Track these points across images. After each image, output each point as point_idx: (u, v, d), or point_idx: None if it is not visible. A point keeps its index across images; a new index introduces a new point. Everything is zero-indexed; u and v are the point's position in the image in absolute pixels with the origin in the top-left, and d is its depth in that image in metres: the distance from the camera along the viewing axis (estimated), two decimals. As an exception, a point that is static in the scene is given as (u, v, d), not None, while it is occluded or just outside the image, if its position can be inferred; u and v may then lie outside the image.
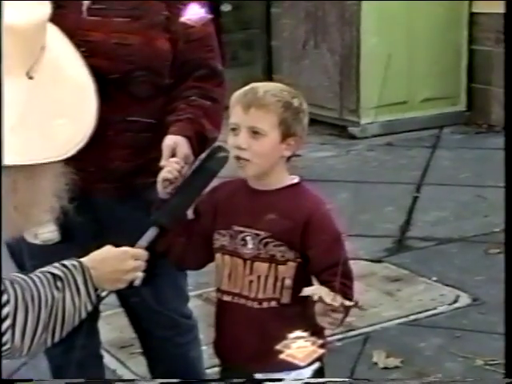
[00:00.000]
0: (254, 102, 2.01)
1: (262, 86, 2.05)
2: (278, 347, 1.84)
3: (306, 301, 1.96)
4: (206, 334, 2.56)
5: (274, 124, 2.02)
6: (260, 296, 2.07)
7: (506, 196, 1.85)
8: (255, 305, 2.08)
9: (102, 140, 2.24)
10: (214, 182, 2.16)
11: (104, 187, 2.32)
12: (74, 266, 1.74)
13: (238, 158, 2.03)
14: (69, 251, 2.30)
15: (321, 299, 1.85)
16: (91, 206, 2.34)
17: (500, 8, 6.89)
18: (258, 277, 2.07)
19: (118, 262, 1.81)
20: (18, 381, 2.08)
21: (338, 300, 1.84)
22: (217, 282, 2.15)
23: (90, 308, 1.74)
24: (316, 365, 2.07)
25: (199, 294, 3.78)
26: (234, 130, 2.04)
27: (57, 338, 1.70)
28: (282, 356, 1.83)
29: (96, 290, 1.76)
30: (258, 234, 2.06)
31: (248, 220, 2.07)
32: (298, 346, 1.81)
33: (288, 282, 2.06)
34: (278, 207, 2.06)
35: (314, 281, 2.05)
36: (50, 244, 2.34)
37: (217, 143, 2.34)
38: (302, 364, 1.90)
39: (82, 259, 1.77)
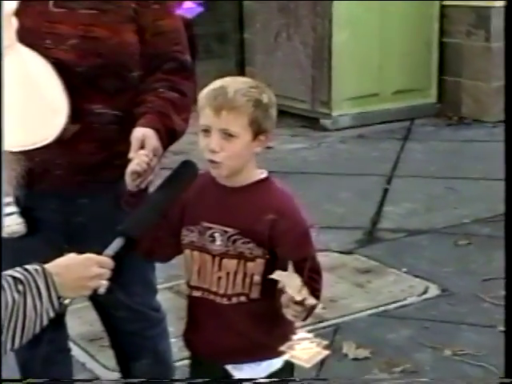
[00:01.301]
0: (224, 105, 1.98)
1: (231, 85, 2.01)
2: (280, 348, 1.83)
3: (275, 295, 1.96)
4: (176, 327, 2.56)
5: (246, 124, 2.00)
6: (229, 292, 2.07)
7: (506, 192, 1.84)
8: (224, 301, 2.07)
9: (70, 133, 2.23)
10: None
11: (71, 180, 2.30)
12: (36, 270, 1.71)
13: (212, 161, 2.01)
14: (35, 244, 2.30)
15: (283, 289, 1.85)
16: (58, 198, 2.32)
17: (470, 1, 6.94)
18: (227, 273, 2.06)
19: (82, 268, 1.77)
20: (19, 381, 2.05)
21: (302, 293, 1.83)
22: (187, 278, 2.14)
23: (52, 315, 1.70)
24: (285, 356, 2.07)
25: (170, 286, 3.77)
26: (205, 131, 2.02)
27: (17, 344, 1.66)
28: (286, 357, 1.83)
29: (59, 297, 1.72)
30: (226, 231, 2.05)
31: (216, 216, 2.06)
32: (303, 348, 1.81)
33: (257, 278, 2.05)
34: (247, 204, 2.05)
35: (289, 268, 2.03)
36: (15, 237, 2.32)
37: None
38: (307, 366, 1.88)
39: (45, 265, 1.74)
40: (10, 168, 1.49)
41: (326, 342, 1.85)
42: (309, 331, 3.40)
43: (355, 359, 3.35)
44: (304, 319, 1.93)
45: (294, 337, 1.81)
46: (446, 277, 4.10)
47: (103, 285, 1.80)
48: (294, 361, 1.83)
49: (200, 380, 2.10)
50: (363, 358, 3.35)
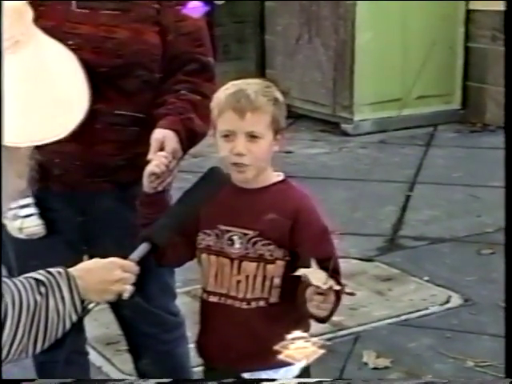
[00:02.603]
0: (248, 107, 1.99)
1: (249, 87, 2.03)
2: (275, 347, 1.84)
3: (295, 298, 1.96)
4: (193, 332, 2.56)
5: (268, 124, 2.03)
6: (248, 296, 2.07)
7: (506, 196, 1.85)
8: (243, 305, 2.08)
9: (89, 133, 2.25)
10: (187, 179, 2.15)
11: (90, 181, 2.31)
12: (59, 273, 1.71)
13: (237, 164, 2.02)
14: (55, 246, 2.32)
15: (306, 277, 1.85)
16: (77, 200, 2.34)
17: (497, 5, 6.92)
18: (246, 276, 2.06)
19: (105, 271, 1.77)
20: (19, 380, 2.06)
21: (328, 283, 1.84)
22: (203, 283, 2.14)
23: (74, 319, 1.70)
24: (303, 363, 2.08)
25: (187, 290, 3.78)
26: (227, 136, 2.03)
27: (39, 347, 1.66)
28: (280, 356, 1.83)
29: (83, 301, 1.71)
30: (245, 234, 2.05)
31: (234, 219, 2.07)
32: (298, 347, 1.81)
33: (277, 281, 2.06)
34: (265, 205, 2.06)
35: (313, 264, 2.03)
36: (35, 238, 2.33)
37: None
38: (302, 364, 1.90)
39: (68, 269, 1.74)
40: (23, 163, 1.48)
41: (321, 342, 1.86)
42: (328, 339, 3.44)
43: (375, 368, 3.35)
44: (327, 318, 1.93)
45: (289, 336, 1.81)
46: (469, 286, 4.10)
47: (127, 290, 1.79)
48: (289, 360, 1.83)
49: (226, 380, 2.10)
50: (383, 367, 3.35)
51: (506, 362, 1.84)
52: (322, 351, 1.81)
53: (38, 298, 1.65)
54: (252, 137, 2.01)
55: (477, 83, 7.28)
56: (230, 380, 2.11)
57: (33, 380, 2.51)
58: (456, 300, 3.98)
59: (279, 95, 2.07)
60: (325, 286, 1.84)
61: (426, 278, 4.21)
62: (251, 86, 2.04)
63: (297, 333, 1.82)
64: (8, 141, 1.35)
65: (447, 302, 3.96)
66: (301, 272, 1.88)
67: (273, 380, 2.09)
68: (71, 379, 2.37)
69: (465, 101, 7.41)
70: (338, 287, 1.87)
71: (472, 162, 6.20)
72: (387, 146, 6.72)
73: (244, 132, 2.00)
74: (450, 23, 7.25)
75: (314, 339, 1.83)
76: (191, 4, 2.27)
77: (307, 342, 1.80)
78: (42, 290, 1.66)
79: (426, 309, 3.89)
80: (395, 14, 6.99)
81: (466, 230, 4.87)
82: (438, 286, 4.12)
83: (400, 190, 5.59)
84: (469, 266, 4.35)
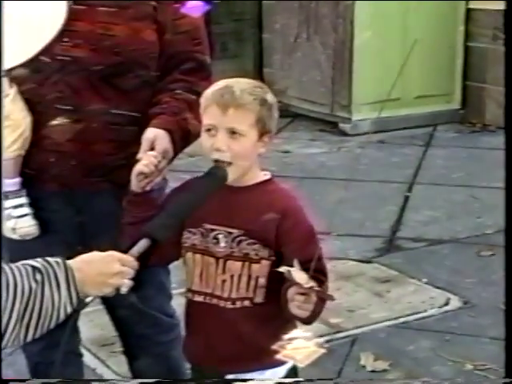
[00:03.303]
0: (232, 103, 1.99)
1: (237, 84, 2.03)
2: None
3: (279, 299, 1.96)
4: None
5: (252, 123, 2.02)
6: (233, 295, 2.07)
7: (506, 196, 1.85)
8: (228, 305, 2.08)
9: (86, 133, 2.25)
10: (183, 178, 2.15)
11: (87, 181, 2.31)
12: (56, 262, 1.72)
13: (217, 161, 2.02)
14: (50, 246, 2.31)
15: (289, 274, 1.85)
16: (74, 199, 2.34)
17: (497, 4, 6.92)
18: (231, 276, 2.06)
19: (103, 264, 1.77)
20: (19, 381, 2.06)
21: (309, 283, 1.84)
22: (187, 283, 2.14)
23: (69, 310, 1.70)
24: (290, 364, 2.07)
25: (183, 291, 3.77)
26: (209, 130, 2.03)
27: (30, 335, 1.66)
28: (279, 356, 1.83)
29: (78, 293, 1.72)
30: (230, 232, 2.05)
31: (220, 218, 2.07)
32: (297, 347, 1.80)
33: (262, 280, 2.06)
34: (251, 204, 2.06)
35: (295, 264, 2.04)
36: (28, 239, 2.33)
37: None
38: (302, 365, 1.89)
39: (66, 260, 1.75)
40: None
41: (321, 341, 1.86)
42: (326, 341, 3.44)
43: (373, 371, 3.35)
44: (310, 319, 1.93)
45: (287, 335, 1.81)
46: (468, 288, 4.10)
47: (125, 284, 1.79)
48: (288, 360, 1.83)
49: (213, 379, 2.10)
50: (381, 370, 3.35)
51: (506, 361, 1.84)
52: (322, 350, 1.81)
53: (34, 284, 1.65)
54: (233, 133, 2.01)
55: (477, 83, 7.29)
56: (215, 380, 2.10)
57: (31, 380, 2.51)
58: (455, 302, 3.98)
59: (270, 98, 2.06)
60: (306, 285, 1.84)
61: (425, 280, 4.21)
62: (240, 84, 2.04)
63: (296, 332, 1.82)
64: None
65: (446, 304, 3.97)
66: (283, 269, 1.89)
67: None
68: (56, 379, 2.36)
69: (465, 101, 7.42)
70: (318, 288, 1.87)
71: (472, 163, 6.21)
72: (386, 146, 6.73)
73: (225, 127, 2.00)
74: (450, 22, 7.25)
75: (315, 338, 1.83)
76: (190, 3, 2.27)
77: (307, 341, 1.80)
78: (38, 277, 1.67)
79: (425, 311, 3.89)
80: (394, 12, 6.99)
81: (465, 231, 4.87)
82: (437, 288, 4.12)
83: (399, 190, 5.60)
84: (468, 267, 4.35)
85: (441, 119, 7.28)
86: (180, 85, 2.29)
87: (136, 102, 2.28)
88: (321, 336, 3.25)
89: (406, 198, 5.46)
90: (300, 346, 1.79)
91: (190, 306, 2.16)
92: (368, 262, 4.47)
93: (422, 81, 7.15)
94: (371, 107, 7.02)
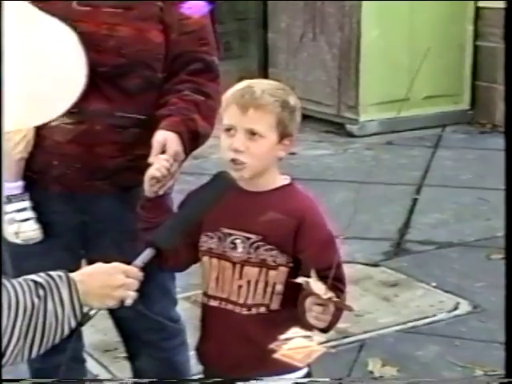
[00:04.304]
0: (251, 103, 2.00)
1: (258, 85, 2.04)
2: (270, 349, 1.84)
3: (296, 306, 1.97)
4: (193, 339, 2.57)
5: (272, 125, 2.02)
6: (249, 302, 2.07)
7: (507, 199, 1.86)
8: (243, 311, 2.08)
9: (89, 135, 2.25)
10: (201, 180, 2.15)
11: (90, 184, 2.31)
12: (59, 276, 1.71)
13: (234, 161, 2.02)
14: (52, 250, 2.32)
15: (307, 285, 1.85)
16: (77, 202, 2.35)
17: (507, 3, 6.92)
18: (248, 282, 2.07)
19: (107, 276, 1.77)
20: (19, 380, 2.06)
21: (328, 294, 1.84)
22: (203, 286, 2.14)
23: (73, 324, 1.69)
24: (304, 370, 2.08)
25: (188, 296, 3.78)
26: (228, 130, 2.03)
27: (35, 352, 1.66)
28: (278, 356, 1.83)
29: (82, 307, 1.71)
30: (248, 238, 2.05)
31: (238, 222, 2.07)
32: (297, 346, 1.80)
33: (279, 287, 2.06)
34: (270, 209, 2.06)
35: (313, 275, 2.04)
36: (32, 243, 2.34)
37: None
38: (300, 365, 1.89)
39: (69, 273, 1.74)
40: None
41: (322, 339, 1.86)
42: (333, 346, 3.44)
43: (381, 377, 3.35)
44: (327, 329, 1.94)
45: (286, 334, 1.81)
46: (478, 292, 4.09)
47: (130, 296, 1.79)
48: (287, 360, 1.83)
49: (211, 380, 2.10)
50: (389, 375, 3.35)
51: (506, 361, 1.85)
52: (323, 349, 1.80)
53: (36, 300, 1.65)
54: (252, 134, 2.01)
55: (486, 83, 7.28)
56: (214, 380, 2.10)
57: (30, 380, 2.52)
58: (465, 307, 3.98)
59: (293, 100, 2.06)
60: (324, 296, 1.84)
61: (434, 284, 4.21)
62: (261, 84, 2.06)
63: (295, 330, 1.81)
64: (12, 126, 1.35)
65: (455, 308, 3.96)
66: (301, 279, 1.89)
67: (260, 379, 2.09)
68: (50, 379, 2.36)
69: (474, 101, 7.41)
70: (336, 299, 1.87)
71: (481, 164, 6.20)
72: (394, 148, 6.72)
73: (244, 128, 2.01)
74: (459, 21, 7.25)
75: (315, 337, 1.83)
76: (191, 3, 2.27)
77: (307, 340, 1.80)
78: (41, 292, 1.66)
79: (434, 316, 3.89)
80: (402, 11, 6.99)
81: (474, 234, 4.87)
82: (446, 292, 4.12)
83: (407, 192, 5.59)
84: (478, 271, 4.34)
85: (450, 120, 7.28)
86: (187, 86, 2.30)
87: (141, 103, 2.29)
88: (328, 341, 3.25)
89: (414, 201, 5.46)
90: (300, 345, 1.79)
91: (206, 310, 2.16)
92: (375, 265, 4.48)
93: (431, 81, 7.14)
94: (378, 108, 7.02)
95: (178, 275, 2.55)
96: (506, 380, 1.88)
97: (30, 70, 1.38)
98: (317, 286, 1.85)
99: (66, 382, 2.30)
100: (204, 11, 2.30)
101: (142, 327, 2.52)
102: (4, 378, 1.75)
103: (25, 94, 1.37)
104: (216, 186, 2.00)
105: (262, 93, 2.01)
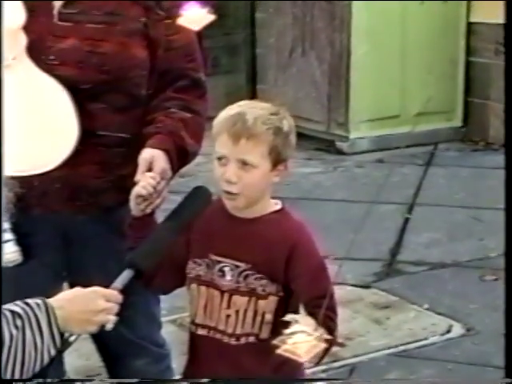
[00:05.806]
0: (243, 133, 1.98)
1: (250, 111, 2.02)
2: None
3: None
4: (178, 363, 2.56)
5: (265, 154, 2.01)
6: (238, 331, 2.06)
7: (506, 216, 1.86)
8: (232, 341, 2.07)
9: (72, 155, 2.24)
10: (174, 200, 2.14)
11: (72, 204, 2.31)
12: (37, 304, 1.70)
13: (227, 192, 2.02)
14: (33, 272, 2.30)
15: (296, 322, 1.84)
16: (59, 223, 2.34)
17: (499, 18, 6.96)
18: (237, 311, 2.05)
19: (87, 301, 1.76)
20: (19, 381, 2.05)
21: (317, 330, 1.83)
22: (191, 314, 2.13)
23: (53, 353, 1.69)
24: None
25: (173, 319, 3.77)
26: (220, 159, 2.02)
27: (16, 379, 1.65)
28: (280, 351, 1.81)
29: (62, 333, 1.70)
30: (237, 266, 2.05)
31: (226, 249, 2.06)
32: (298, 341, 1.79)
33: (268, 316, 2.05)
34: (260, 237, 2.05)
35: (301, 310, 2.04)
36: (11, 266, 2.32)
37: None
38: (303, 360, 1.87)
39: (48, 299, 1.73)
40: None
41: (324, 335, 1.84)
42: (323, 371, 3.43)
43: (372, 401, 3.34)
44: (319, 360, 1.93)
45: (287, 330, 1.79)
46: (471, 314, 4.10)
47: (110, 320, 1.78)
48: (288, 355, 1.82)
49: (202, 380, 2.08)
50: (381, 401, 3.35)
51: (506, 361, 1.85)
52: (323, 345, 1.79)
53: (14, 331, 1.64)
54: (244, 164, 2.00)
55: (479, 99, 7.31)
56: (205, 380, 2.08)
57: (30, 380, 2.50)
58: (458, 329, 3.98)
59: (287, 125, 2.05)
60: (315, 335, 1.83)
61: (426, 306, 4.20)
62: (254, 110, 2.03)
63: (296, 327, 1.80)
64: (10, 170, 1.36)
65: (449, 331, 3.96)
66: (289, 317, 1.87)
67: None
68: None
69: (467, 118, 7.43)
70: (326, 336, 1.85)
71: (474, 183, 6.22)
72: (385, 166, 6.73)
73: (236, 158, 2.00)
74: (451, 36, 7.28)
75: (316, 332, 1.81)
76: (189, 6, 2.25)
77: (309, 335, 1.79)
78: (18, 322, 1.65)
79: (426, 339, 3.89)
80: (393, 25, 7.01)
81: (468, 254, 4.87)
82: (439, 314, 4.12)
83: (399, 211, 5.60)
84: (471, 292, 4.35)
85: (442, 137, 7.30)
86: (174, 103, 2.30)
87: (125, 121, 2.29)
88: (318, 366, 3.24)
89: (406, 220, 5.47)
90: (300, 340, 1.78)
91: (193, 338, 2.14)
92: (366, 286, 4.47)
93: (422, 97, 7.16)
94: (369, 125, 7.04)
95: (162, 298, 2.54)
96: (506, 380, 1.89)
97: (27, 125, 1.41)
98: (306, 322, 1.83)
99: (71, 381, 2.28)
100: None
101: (126, 352, 2.50)
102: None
103: (22, 147, 1.39)
104: (193, 203, 2.00)
105: (254, 121, 1.99)
